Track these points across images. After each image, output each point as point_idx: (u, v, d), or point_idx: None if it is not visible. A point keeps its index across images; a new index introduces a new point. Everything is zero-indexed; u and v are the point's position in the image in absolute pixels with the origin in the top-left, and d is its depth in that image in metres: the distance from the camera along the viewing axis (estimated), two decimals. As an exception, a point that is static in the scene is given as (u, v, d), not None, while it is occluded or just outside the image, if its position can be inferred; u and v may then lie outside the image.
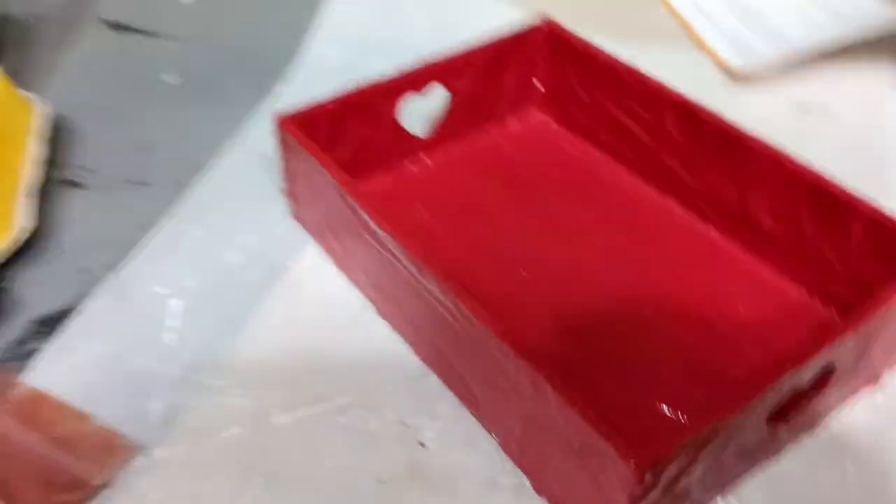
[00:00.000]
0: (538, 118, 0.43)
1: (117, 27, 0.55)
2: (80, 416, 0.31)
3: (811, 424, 0.30)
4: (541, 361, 0.26)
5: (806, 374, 0.26)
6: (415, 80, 0.39)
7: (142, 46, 0.53)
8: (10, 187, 0.39)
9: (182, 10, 0.56)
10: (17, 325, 0.36)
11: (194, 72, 0.51)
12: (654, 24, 0.51)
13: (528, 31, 0.41)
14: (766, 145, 0.33)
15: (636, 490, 0.24)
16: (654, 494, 0.25)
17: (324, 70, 0.49)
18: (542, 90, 0.43)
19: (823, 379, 0.28)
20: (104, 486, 0.29)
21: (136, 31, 0.55)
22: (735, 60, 0.46)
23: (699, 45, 0.49)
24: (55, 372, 0.33)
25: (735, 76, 0.47)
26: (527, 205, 0.39)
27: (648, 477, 0.24)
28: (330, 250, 0.37)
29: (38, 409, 0.31)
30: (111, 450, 0.30)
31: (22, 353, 0.34)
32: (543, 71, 0.42)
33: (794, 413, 0.28)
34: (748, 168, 0.34)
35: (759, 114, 0.41)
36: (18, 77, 0.47)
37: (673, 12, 0.50)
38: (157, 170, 0.44)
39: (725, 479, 0.29)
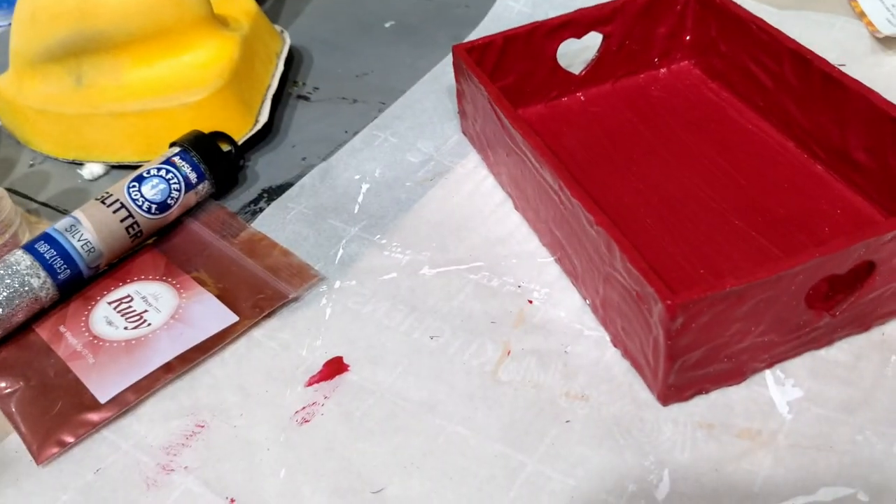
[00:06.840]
0: (683, 66, 0.49)
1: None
2: (285, 253, 0.42)
3: (863, 324, 0.35)
4: (613, 229, 0.33)
5: (840, 260, 0.31)
6: (572, 23, 0.46)
7: None
8: (259, 93, 0.52)
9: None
10: (252, 191, 0.48)
11: (406, 20, 0.62)
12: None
13: (678, -11, 0.47)
14: (860, 83, 0.38)
15: (671, 328, 0.31)
16: (693, 343, 0.31)
17: (511, 21, 0.58)
18: (689, 41, 0.49)
19: (867, 275, 0.33)
20: (296, 299, 0.40)
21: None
22: (886, 29, 0.50)
23: (859, 15, 0.52)
24: (273, 223, 0.45)
25: (884, 43, 0.50)
26: (660, 136, 0.46)
27: (681, 317, 0.30)
28: (486, 158, 0.46)
29: (258, 245, 0.43)
30: (303, 277, 0.41)
31: (253, 210, 0.46)
32: (691, 24, 0.48)
33: (837, 302, 0.33)
34: (847, 105, 0.39)
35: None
36: (273, 14, 0.60)
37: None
38: (365, 91, 0.55)
39: (773, 354, 0.34)
